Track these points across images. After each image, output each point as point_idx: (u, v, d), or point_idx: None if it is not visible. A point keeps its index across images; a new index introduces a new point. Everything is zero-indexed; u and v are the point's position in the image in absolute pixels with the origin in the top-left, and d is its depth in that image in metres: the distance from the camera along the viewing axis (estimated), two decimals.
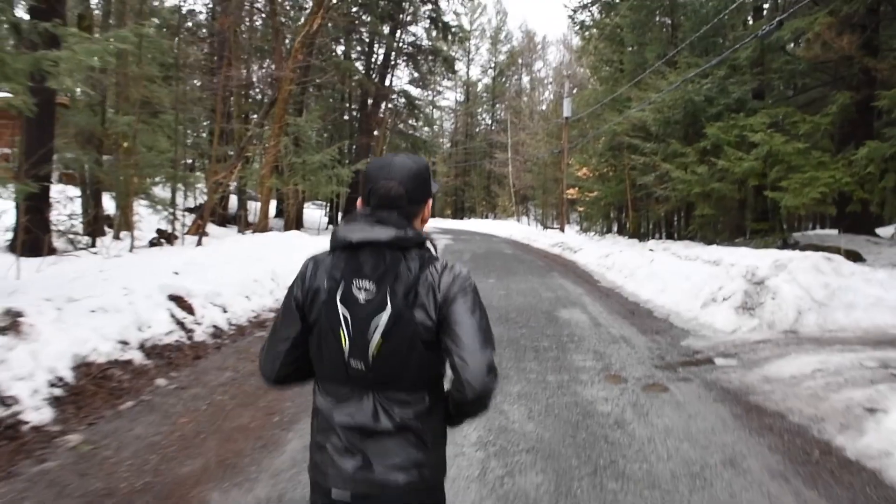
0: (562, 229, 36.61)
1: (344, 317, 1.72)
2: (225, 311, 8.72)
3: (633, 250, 18.04)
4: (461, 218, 63.81)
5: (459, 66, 70.22)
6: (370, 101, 30.85)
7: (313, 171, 21.09)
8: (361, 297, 1.71)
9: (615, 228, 29.18)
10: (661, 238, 21.44)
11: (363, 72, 30.42)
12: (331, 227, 33.05)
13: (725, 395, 5.74)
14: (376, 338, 1.70)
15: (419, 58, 33.79)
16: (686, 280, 10.87)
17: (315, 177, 21.12)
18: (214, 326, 8.15)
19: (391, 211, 1.77)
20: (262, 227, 21.15)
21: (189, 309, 8.08)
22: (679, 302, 10.09)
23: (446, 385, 1.85)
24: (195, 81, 23.80)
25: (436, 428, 1.83)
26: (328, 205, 35.83)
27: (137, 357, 6.46)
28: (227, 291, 9.18)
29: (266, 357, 1.90)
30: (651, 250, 15.87)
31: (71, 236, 13.34)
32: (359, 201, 1.88)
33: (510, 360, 6.83)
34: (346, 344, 1.72)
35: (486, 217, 63.84)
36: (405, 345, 1.71)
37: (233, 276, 10.00)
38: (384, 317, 1.69)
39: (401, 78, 46.98)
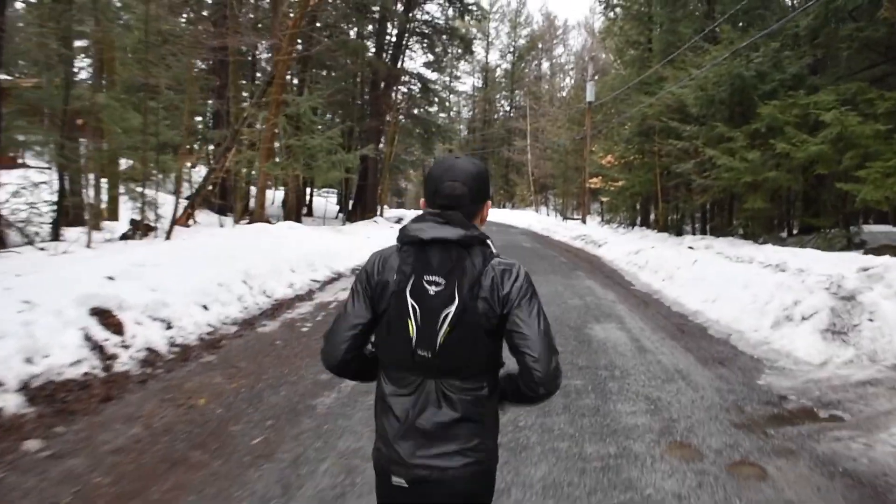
0: (583, 220, 34.61)
1: (413, 308, 1.80)
2: (169, 328, 6.90)
3: (666, 246, 16.05)
4: None
5: (478, 50, 68.17)
6: (382, 84, 28.91)
7: (313, 156, 19.21)
8: (431, 290, 1.80)
9: (640, 221, 27.06)
10: (698, 233, 19.37)
11: (374, 52, 28.37)
12: (341, 215, 31.33)
13: (859, 488, 3.80)
14: (445, 328, 1.79)
15: (434, 38, 31.68)
16: (744, 289, 8.90)
17: (315, 162, 19.25)
18: (148, 349, 6.31)
19: (455, 210, 1.87)
20: (258, 216, 19.34)
21: (116, 327, 6.25)
22: (740, 318, 8.13)
23: (516, 376, 1.88)
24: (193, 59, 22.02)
25: (491, 416, 1.93)
26: (340, 192, 33.96)
27: (12, 403, 4.64)
28: (176, 301, 7.35)
29: (331, 343, 1.97)
30: (691, 248, 13.90)
31: (25, 226, 11.54)
32: (422, 201, 1.97)
33: (530, 414, 4.90)
34: (413, 333, 1.81)
35: (504, 207, 61.80)
36: (470, 335, 1.81)
37: (191, 279, 8.17)
38: (452, 308, 1.78)
39: (414, 59, 44.89)
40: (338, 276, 12.41)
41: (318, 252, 13.48)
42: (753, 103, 13.06)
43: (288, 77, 20.90)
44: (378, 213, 29.51)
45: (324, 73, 27.70)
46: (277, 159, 19.94)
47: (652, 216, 25.57)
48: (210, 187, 20.31)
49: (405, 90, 32.87)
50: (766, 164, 12.27)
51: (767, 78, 13.08)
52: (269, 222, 20.26)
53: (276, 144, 19.45)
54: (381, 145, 33.78)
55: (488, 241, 1.90)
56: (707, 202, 16.69)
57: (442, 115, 41.08)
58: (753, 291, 8.62)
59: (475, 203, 1.93)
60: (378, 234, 21.34)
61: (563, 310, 9.37)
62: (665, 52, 21.86)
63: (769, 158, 12.18)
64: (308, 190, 37.66)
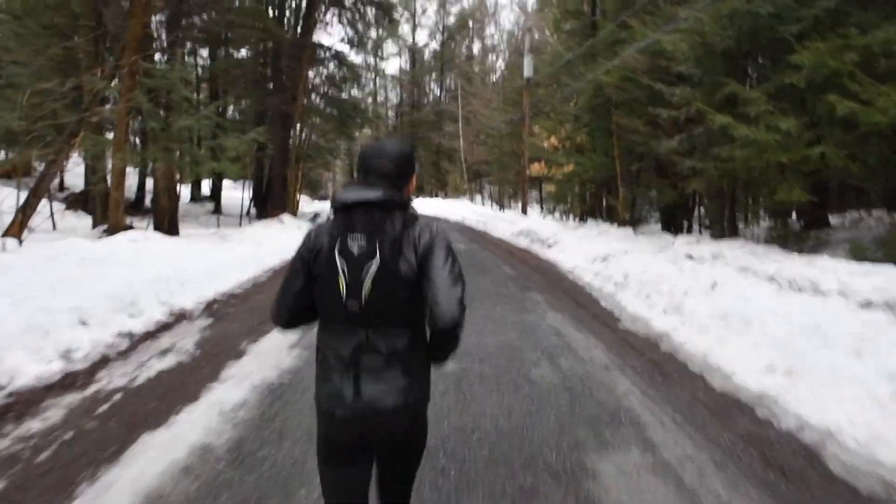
0: (524, 211, 30.78)
1: (341, 266, 2.09)
2: None
3: (645, 251, 12.21)
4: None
5: (404, 30, 64.06)
6: (286, 58, 24.44)
7: (179, 141, 14.79)
8: (355, 249, 2.09)
9: (594, 212, 23.30)
10: (683, 231, 15.52)
11: (273, 18, 23.75)
12: (254, 211, 26.84)
13: None
14: (367, 282, 2.07)
15: (350, 7, 27.21)
16: (855, 356, 4.98)
17: (182, 148, 14.84)
18: None
19: (381, 180, 2.18)
20: (113, 221, 14.82)
21: None
22: (870, 421, 4.17)
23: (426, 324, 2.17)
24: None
25: (419, 359, 2.23)
26: (253, 183, 29.19)
27: None
28: None
29: (278, 307, 2.31)
30: (691, 257, 10.04)
31: None
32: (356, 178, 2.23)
33: None
34: (343, 288, 2.09)
35: (436, 196, 57.70)
36: (391, 288, 2.09)
37: None
38: (374, 265, 2.07)
39: (332, 35, 40.36)
40: (176, 320, 8.10)
41: (162, 278, 9.21)
42: (770, 51, 9.25)
43: (154, 40, 16.35)
44: (288, 209, 24.98)
45: (205, 39, 22.94)
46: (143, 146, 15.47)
47: (611, 207, 21.82)
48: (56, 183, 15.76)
49: (321, 69, 28.46)
50: (803, 137, 8.44)
51: (789, 16, 9.22)
52: (130, 228, 15.79)
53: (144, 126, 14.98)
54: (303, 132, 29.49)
55: (411, 206, 2.20)
56: (695, 191, 12.77)
57: (360, 96, 36.72)
58: (873, 363, 4.71)
59: (402, 177, 2.25)
60: (275, 240, 17.01)
61: (524, 394, 5.33)
62: (619, 12, 18.11)
63: (807, 128, 8.36)
64: (212, 183, 33.10)
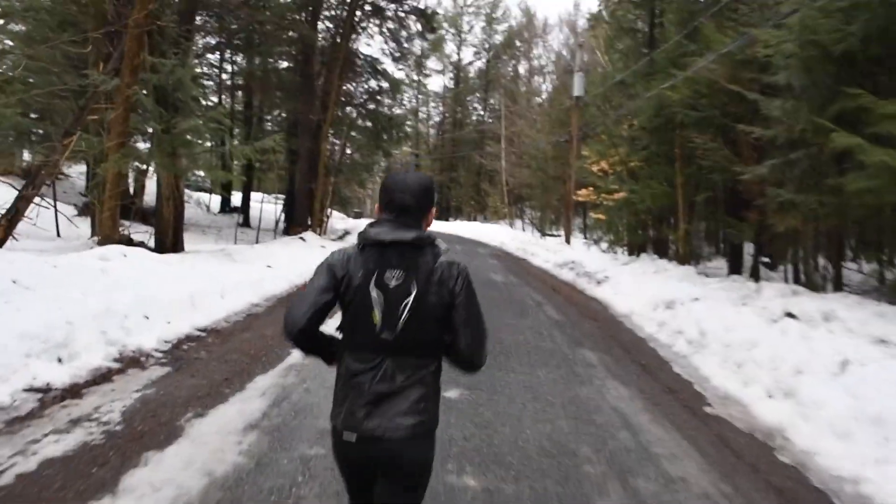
0: (567, 240, 28.65)
1: (377, 299, 2.20)
2: None
3: (721, 299, 10.04)
4: (446, 219, 55.60)
5: (449, 48, 62.55)
6: (317, 65, 22.74)
7: (185, 144, 13.01)
8: (392, 283, 2.20)
9: (650, 246, 21.06)
10: (758, 276, 13.19)
11: (306, 21, 21.95)
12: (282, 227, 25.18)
13: None
14: (405, 314, 2.19)
15: (387, 10, 25.39)
16: None
17: (189, 150, 13.08)
18: None
19: (407, 216, 2.28)
20: (106, 233, 13.07)
21: None
22: None
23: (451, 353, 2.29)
24: None
25: (435, 386, 2.32)
26: (285, 197, 27.42)
27: None
28: None
29: (293, 314, 2.31)
30: (792, 315, 7.85)
31: None
32: (377, 207, 2.36)
33: None
34: (378, 319, 2.20)
35: (475, 219, 55.65)
36: (423, 320, 2.21)
37: None
38: (410, 299, 2.19)
39: (371, 46, 38.76)
40: (121, 368, 6.17)
41: (118, 309, 7.34)
42: None
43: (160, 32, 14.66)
44: (312, 226, 23.14)
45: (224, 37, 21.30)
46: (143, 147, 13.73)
47: (672, 243, 19.61)
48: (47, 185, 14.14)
49: (353, 79, 26.74)
50: None
51: None
52: (128, 240, 14.04)
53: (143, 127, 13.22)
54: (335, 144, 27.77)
55: (437, 242, 2.30)
56: (804, 231, 10.38)
57: (399, 111, 34.98)
58: None
59: (422, 211, 2.33)
60: (291, 260, 15.15)
61: None
62: (684, 24, 16.07)
63: None
64: (244, 195, 31.56)
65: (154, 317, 7.74)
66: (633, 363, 7.69)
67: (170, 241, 14.58)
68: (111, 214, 13.10)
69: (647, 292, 12.28)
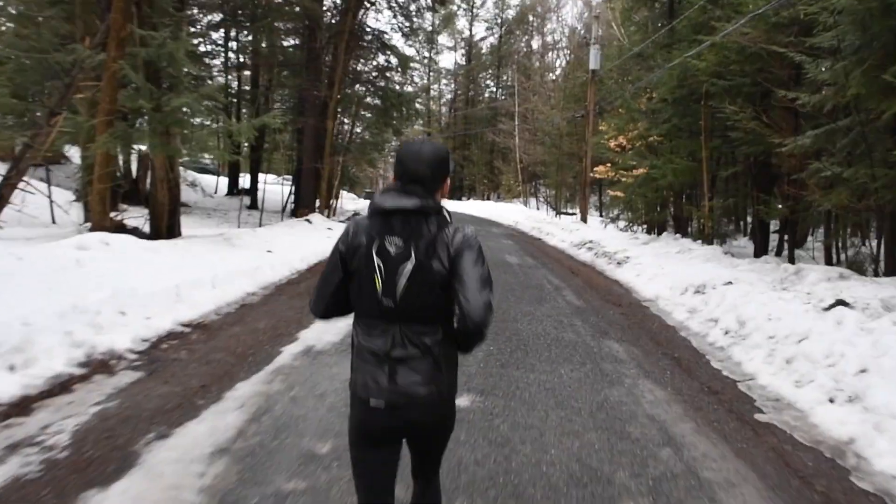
0: (583, 218, 27.75)
1: (378, 265, 2.20)
2: None
3: (763, 287, 9.18)
4: (459, 198, 54.70)
5: (461, 24, 61.37)
6: (323, 40, 21.80)
7: (177, 123, 12.21)
8: (392, 250, 2.20)
9: (672, 224, 20.14)
10: (783, 254, 12.26)
11: None
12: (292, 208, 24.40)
13: None
14: (403, 281, 2.18)
15: None
16: None
17: (182, 130, 12.29)
18: None
19: (417, 185, 2.24)
20: (97, 219, 12.36)
21: None
22: None
23: (455, 321, 2.23)
24: None
25: (448, 354, 2.30)
26: (293, 178, 26.59)
27: None
28: None
29: (316, 298, 2.39)
30: (844, 304, 6.97)
31: None
32: (392, 178, 2.33)
33: None
34: (379, 286, 2.20)
35: (488, 198, 54.71)
36: (425, 287, 2.19)
37: None
38: (409, 265, 2.18)
39: (380, 22, 37.68)
40: (86, 374, 5.41)
41: (89, 305, 6.62)
42: None
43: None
44: (319, 207, 22.33)
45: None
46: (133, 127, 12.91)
47: (695, 221, 18.68)
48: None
49: (361, 55, 25.79)
50: None
51: None
52: (120, 226, 13.37)
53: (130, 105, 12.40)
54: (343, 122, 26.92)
55: (444, 211, 2.27)
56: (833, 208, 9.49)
57: (410, 88, 34.00)
58: None
59: (436, 181, 2.30)
60: (294, 245, 14.39)
61: None
62: None
63: None
64: (252, 176, 30.81)
65: (132, 312, 6.99)
66: (665, 357, 6.86)
67: (165, 226, 13.86)
68: (101, 199, 12.39)
69: (672, 274, 11.44)
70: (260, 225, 19.12)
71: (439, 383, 2.25)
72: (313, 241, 15.86)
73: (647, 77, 18.79)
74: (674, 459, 4.17)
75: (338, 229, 19.56)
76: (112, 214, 14.29)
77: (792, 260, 11.79)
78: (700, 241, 15.37)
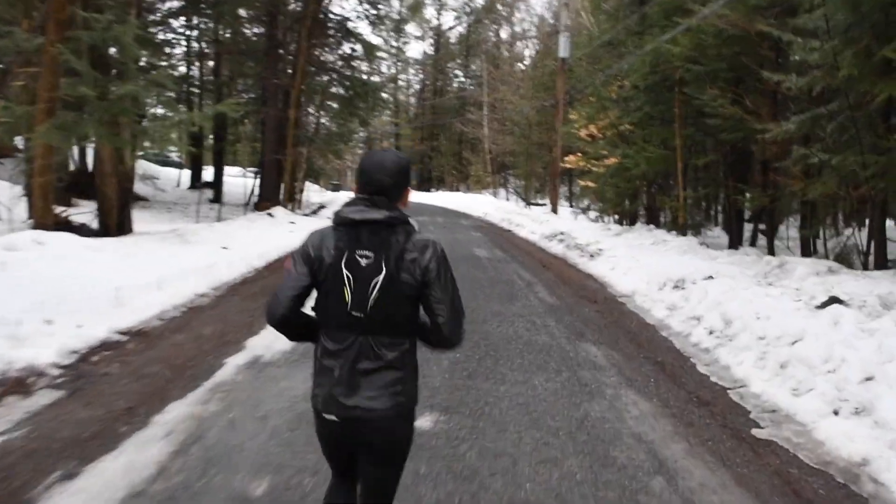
0: (553, 209, 27.23)
1: (347, 277, 2.18)
2: None
3: (745, 280, 8.72)
4: (427, 190, 54.02)
5: (429, 12, 60.50)
6: (285, 27, 21.00)
7: (123, 112, 11.43)
8: (363, 262, 2.18)
9: (642, 215, 19.72)
10: (757, 243, 11.84)
11: None
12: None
13: None
14: (374, 293, 2.16)
15: None
16: None
17: (130, 119, 11.53)
18: None
19: (381, 196, 2.23)
20: (39, 216, 11.54)
21: None
22: None
23: (427, 332, 2.29)
24: None
25: (412, 365, 2.30)
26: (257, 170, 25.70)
27: None
28: None
29: (275, 301, 2.29)
30: (838, 300, 6.47)
31: None
32: (354, 188, 2.32)
33: None
34: (348, 298, 2.17)
35: (457, 189, 54.10)
36: (394, 299, 2.18)
37: None
38: (380, 278, 2.16)
39: (345, 9, 36.78)
40: (8, 391, 4.75)
41: (8, 315, 5.92)
42: None
43: None
44: (283, 200, 21.57)
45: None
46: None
47: (662, 211, 18.28)
48: None
49: (324, 42, 24.95)
50: None
51: None
52: (65, 223, 12.60)
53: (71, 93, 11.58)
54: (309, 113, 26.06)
55: (410, 221, 2.28)
56: (814, 197, 9.05)
57: (378, 78, 33.20)
58: None
59: (399, 191, 2.29)
60: (253, 241, 13.70)
61: None
62: None
63: None
64: (216, 169, 29.90)
65: (61, 321, 6.31)
66: (647, 361, 6.33)
67: (114, 223, 13.08)
68: (42, 193, 11.54)
69: (648, 267, 10.96)
70: (219, 219, 18.35)
71: (403, 394, 2.24)
72: (274, 236, 15.15)
73: (619, 64, 18.28)
74: (668, 492, 3.62)
75: (301, 223, 18.84)
76: (60, 210, 13.53)
77: (772, 251, 11.36)
78: (674, 232, 14.92)
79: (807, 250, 14.09)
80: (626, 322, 8.14)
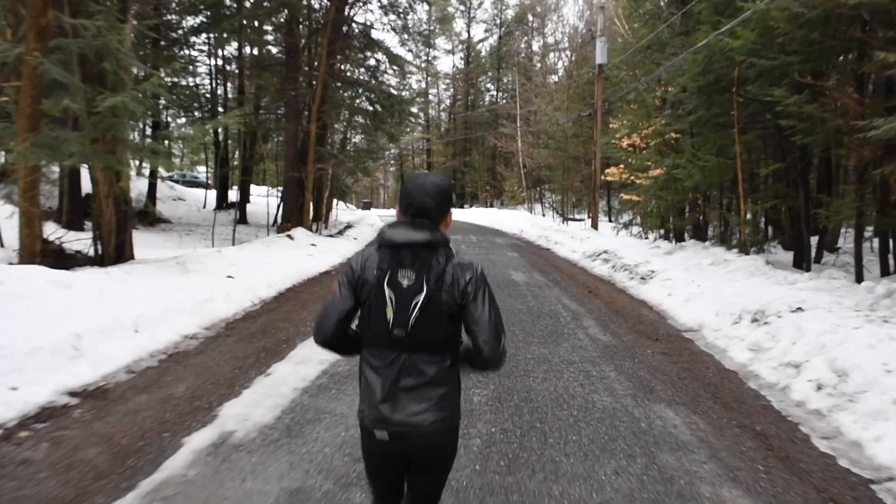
0: (594, 225, 25.65)
1: (389, 297, 2.22)
2: None
3: (854, 316, 7.11)
4: (461, 206, 52.68)
5: (459, 25, 59.51)
6: (304, 38, 19.78)
7: (112, 128, 10.19)
8: (405, 282, 2.21)
9: (695, 231, 18.06)
10: (824, 263, 10.18)
11: None
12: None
13: None
14: (415, 312, 2.19)
15: None
16: None
17: (115, 134, 10.30)
18: None
19: (423, 219, 2.29)
20: (27, 246, 10.31)
21: None
22: None
23: (468, 352, 2.32)
24: None
25: (454, 382, 2.33)
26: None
27: None
28: None
29: (321, 324, 2.37)
30: None
31: None
32: (397, 210, 2.39)
33: None
34: (390, 316, 2.21)
35: (491, 205, 52.61)
36: (435, 318, 2.21)
37: None
38: (421, 297, 2.20)
39: (370, 22, 35.76)
40: None
41: None
42: None
43: None
44: (304, 221, 20.25)
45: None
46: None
47: (728, 228, 16.62)
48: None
49: (348, 53, 23.74)
50: None
51: None
52: (62, 255, 11.45)
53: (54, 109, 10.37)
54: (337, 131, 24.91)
55: (450, 244, 2.32)
56: None
57: (407, 93, 31.96)
58: None
59: (441, 213, 2.34)
60: (266, 267, 12.38)
61: None
62: None
63: None
64: (242, 189, 28.91)
65: None
66: (743, 433, 4.76)
67: (112, 249, 11.82)
68: (28, 220, 10.32)
69: (714, 294, 9.39)
70: (234, 242, 17.08)
71: (445, 410, 2.26)
72: (290, 261, 13.82)
73: (666, 65, 16.72)
74: None
75: (323, 245, 17.53)
76: (57, 236, 12.36)
77: (860, 275, 9.71)
78: (735, 251, 13.26)
79: (885, 268, 12.43)
80: (701, 369, 6.56)
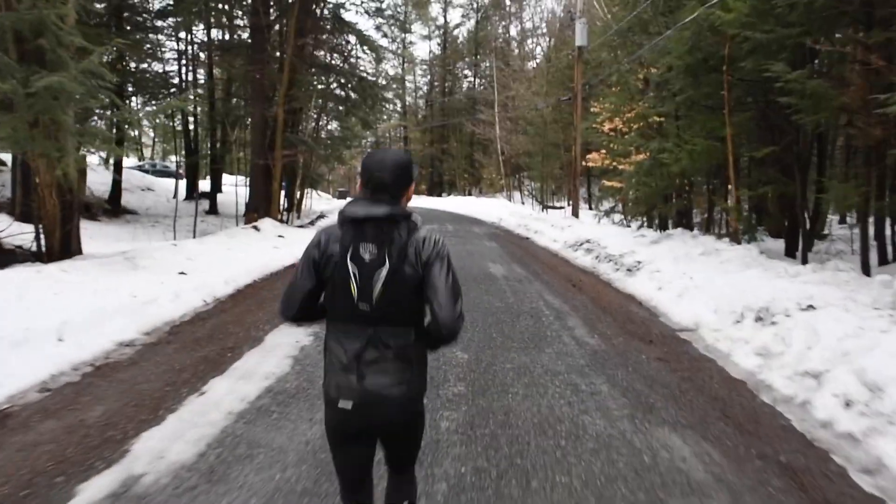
0: (574, 213, 24.87)
1: (353, 272, 2.24)
2: None
3: (875, 314, 6.34)
4: (439, 194, 51.76)
5: (435, 10, 58.41)
6: (267, 20, 18.74)
7: (48, 110, 9.20)
8: (367, 256, 2.24)
9: (668, 220, 17.35)
10: (865, 265, 9.41)
11: None
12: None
13: None
14: (378, 286, 2.22)
15: None
16: None
17: (54, 117, 9.32)
18: None
19: (384, 193, 2.29)
20: None
21: None
22: None
23: (426, 324, 2.30)
24: None
25: (419, 354, 2.36)
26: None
27: None
28: None
29: (286, 303, 2.41)
30: None
31: None
32: (359, 185, 2.38)
33: None
34: (355, 291, 2.24)
35: (469, 193, 51.75)
36: (398, 291, 2.24)
37: None
38: (384, 271, 2.22)
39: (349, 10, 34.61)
40: None
41: None
42: None
43: None
44: (272, 211, 19.26)
45: None
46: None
47: (715, 214, 15.90)
48: None
49: (319, 36, 22.70)
50: None
51: None
52: (13, 254, 10.49)
53: None
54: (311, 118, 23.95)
55: (413, 217, 2.32)
56: None
57: (380, 77, 30.99)
58: None
59: (401, 188, 2.34)
60: (226, 261, 11.47)
61: None
62: None
63: None
64: (213, 178, 27.90)
65: None
66: (768, 466, 3.93)
67: (56, 244, 10.84)
68: None
69: (710, 288, 8.64)
70: (195, 234, 16.10)
71: (409, 383, 2.29)
72: (252, 254, 12.91)
73: (650, 43, 15.91)
74: None
75: (292, 237, 16.58)
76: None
77: (866, 265, 8.99)
78: (726, 240, 12.52)
79: (884, 256, 11.81)
80: (705, 378, 5.76)
